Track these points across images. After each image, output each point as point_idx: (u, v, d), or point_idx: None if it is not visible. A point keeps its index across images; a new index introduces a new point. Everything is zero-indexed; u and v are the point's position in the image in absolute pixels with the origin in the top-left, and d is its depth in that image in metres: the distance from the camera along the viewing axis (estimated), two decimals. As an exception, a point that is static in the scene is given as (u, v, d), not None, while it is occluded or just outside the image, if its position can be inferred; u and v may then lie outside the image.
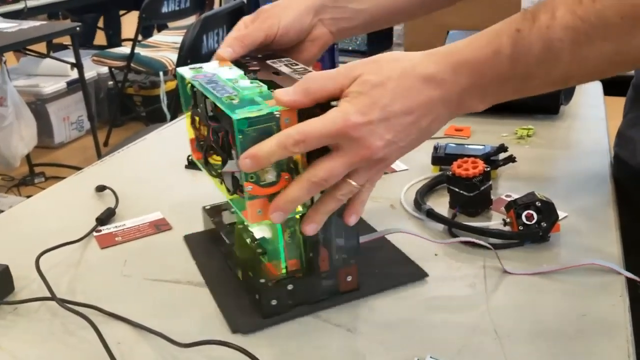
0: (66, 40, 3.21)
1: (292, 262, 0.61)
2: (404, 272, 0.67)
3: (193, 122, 0.66)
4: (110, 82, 3.47)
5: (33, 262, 0.68)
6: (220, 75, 0.60)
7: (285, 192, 0.53)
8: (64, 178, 0.98)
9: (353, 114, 0.50)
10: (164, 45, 3.20)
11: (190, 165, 0.95)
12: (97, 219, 0.80)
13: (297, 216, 0.58)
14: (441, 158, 0.89)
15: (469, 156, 0.80)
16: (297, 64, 0.63)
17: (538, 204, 0.70)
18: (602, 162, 0.91)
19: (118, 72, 3.24)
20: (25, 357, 0.58)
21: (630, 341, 0.56)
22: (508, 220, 0.72)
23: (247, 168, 0.51)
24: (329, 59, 1.32)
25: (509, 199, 0.75)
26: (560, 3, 0.49)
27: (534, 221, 0.70)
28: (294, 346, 0.57)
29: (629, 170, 0.87)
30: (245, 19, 0.69)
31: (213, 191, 0.65)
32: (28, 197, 0.95)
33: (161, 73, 2.93)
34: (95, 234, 0.77)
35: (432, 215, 0.76)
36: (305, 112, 0.53)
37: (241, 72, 0.61)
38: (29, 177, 2.91)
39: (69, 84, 3.28)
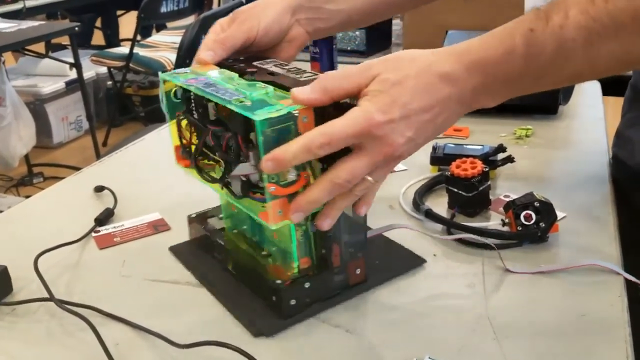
0: (65, 40, 3.21)
1: (304, 260, 0.62)
2: (404, 261, 0.68)
3: (179, 128, 0.65)
4: (109, 82, 3.47)
5: (31, 262, 0.68)
6: (214, 78, 0.59)
7: (307, 193, 0.53)
8: (62, 178, 0.98)
9: (375, 112, 0.50)
10: (163, 45, 3.20)
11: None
12: (96, 220, 0.80)
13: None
14: (440, 158, 0.89)
15: (467, 156, 0.80)
16: (286, 64, 0.63)
17: (537, 204, 0.70)
18: (600, 162, 0.91)
19: (117, 72, 3.24)
20: (23, 358, 0.58)
21: (628, 341, 0.56)
22: (507, 220, 0.72)
23: (269, 170, 0.51)
24: (327, 59, 1.32)
25: (507, 199, 0.75)
26: (573, 3, 0.50)
27: (532, 221, 0.70)
28: (293, 347, 0.57)
29: (627, 170, 0.87)
30: (222, 21, 0.69)
31: (211, 192, 0.65)
32: (27, 197, 0.95)
33: (160, 73, 2.92)
34: (93, 234, 0.77)
35: (430, 215, 0.76)
36: (320, 111, 0.53)
37: (234, 75, 0.60)
38: (28, 177, 2.91)
39: (68, 84, 3.28)
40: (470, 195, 0.76)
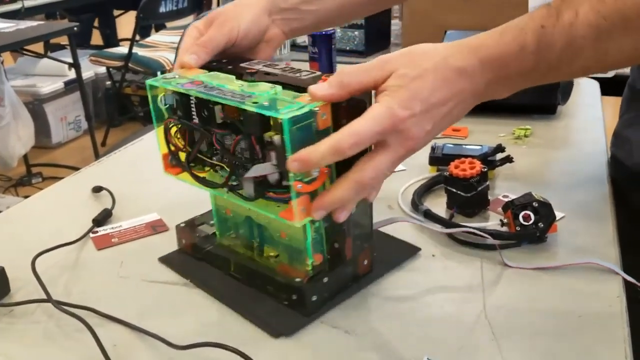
0: (63, 40, 3.21)
1: (317, 256, 0.62)
2: (400, 251, 0.70)
3: (167, 135, 0.64)
4: (108, 82, 3.47)
5: (29, 263, 0.68)
6: (214, 81, 0.59)
7: (331, 192, 0.53)
8: (61, 178, 0.98)
9: (398, 108, 0.51)
10: (162, 45, 3.20)
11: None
12: (94, 220, 0.79)
13: None
14: (439, 158, 0.88)
15: (466, 156, 0.80)
16: (276, 64, 0.63)
17: (535, 204, 0.70)
18: (599, 162, 0.91)
19: (116, 72, 3.24)
20: (20, 359, 0.57)
21: (627, 342, 0.56)
22: (505, 220, 0.72)
23: (294, 170, 0.51)
24: (326, 59, 1.32)
25: (506, 200, 0.75)
26: (583, 0, 0.51)
27: (531, 222, 0.70)
28: (291, 348, 0.57)
29: (625, 170, 0.87)
30: (197, 24, 0.68)
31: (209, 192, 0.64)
32: (25, 197, 0.95)
33: (159, 73, 2.92)
34: (91, 235, 0.77)
35: (429, 215, 0.76)
36: (334, 108, 0.54)
37: (231, 77, 0.60)
38: (27, 178, 2.90)
39: (67, 84, 3.28)
40: (469, 196, 0.76)
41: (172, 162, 0.65)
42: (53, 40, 3.39)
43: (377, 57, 0.54)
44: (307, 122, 0.52)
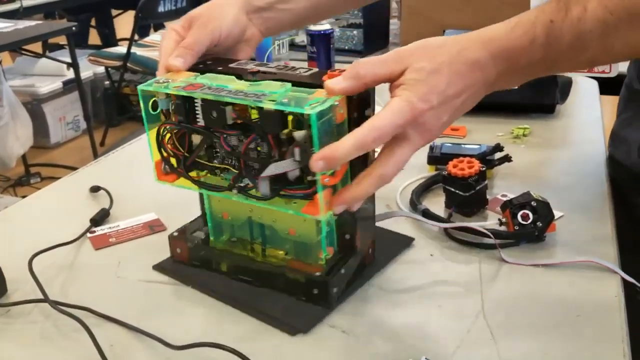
0: (62, 40, 3.21)
1: (329, 249, 0.63)
2: (396, 242, 0.72)
3: (160, 141, 0.62)
4: (107, 82, 3.46)
5: (26, 263, 0.68)
6: (214, 83, 0.58)
7: (354, 187, 0.55)
8: (60, 178, 0.97)
9: (417, 101, 0.52)
10: (161, 45, 3.19)
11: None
12: (91, 220, 0.79)
13: None
14: (437, 158, 0.88)
15: (464, 156, 0.80)
16: (266, 63, 0.63)
17: (534, 203, 0.70)
18: (598, 161, 0.91)
19: (114, 71, 3.24)
20: (17, 360, 0.57)
21: (625, 341, 0.56)
22: (504, 220, 0.72)
23: (319, 169, 0.52)
24: (325, 58, 1.32)
25: (504, 199, 0.75)
26: None
27: (529, 221, 0.70)
28: (289, 347, 0.57)
29: (623, 170, 0.87)
30: (175, 26, 0.67)
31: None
32: (24, 197, 0.94)
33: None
34: (89, 235, 0.77)
35: (427, 215, 0.76)
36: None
37: (231, 77, 0.59)
38: (25, 178, 2.90)
39: (65, 83, 3.27)
40: (467, 195, 0.76)
41: (166, 169, 0.64)
42: (51, 40, 3.39)
43: (393, 49, 0.55)
44: (329, 116, 0.53)
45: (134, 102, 3.50)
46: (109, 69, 3.22)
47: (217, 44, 0.67)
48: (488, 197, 0.79)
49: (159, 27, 4.00)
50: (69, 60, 2.66)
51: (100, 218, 0.80)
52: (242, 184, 0.60)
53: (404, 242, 0.72)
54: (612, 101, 1.00)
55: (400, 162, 0.54)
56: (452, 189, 0.77)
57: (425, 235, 0.74)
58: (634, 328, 0.59)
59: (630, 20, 0.52)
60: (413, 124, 0.53)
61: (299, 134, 0.54)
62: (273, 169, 0.56)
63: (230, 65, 0.64)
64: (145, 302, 0.64)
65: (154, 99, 0.61)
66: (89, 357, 0.56)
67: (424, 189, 0.83)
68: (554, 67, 0.57)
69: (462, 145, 0.90)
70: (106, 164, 1.01)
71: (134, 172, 0.96)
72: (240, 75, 0.60)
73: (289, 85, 0.56)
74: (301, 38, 1.61)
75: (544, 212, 0.70)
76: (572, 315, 0.59)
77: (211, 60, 0.66)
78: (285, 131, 0.55)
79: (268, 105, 0.53)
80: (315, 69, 0.60)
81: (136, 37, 3.14)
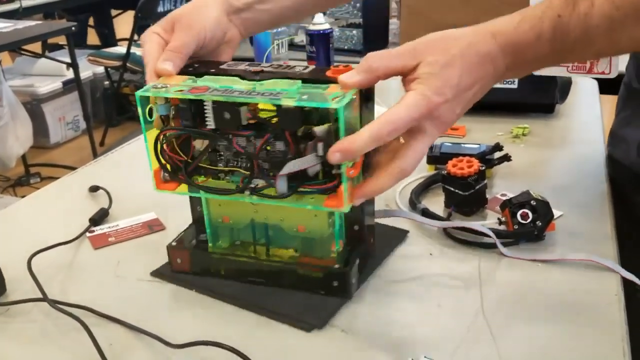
0: (62, 40, 3.20)
1: (340, 242, 0.64)
2: (392, 235, 0.73)
3: (158, 148, 0.61)
4: (106, 82, 3.47)
5: (25, 262, 0.68)
6: (218, 85, 0.57)
7: (375, 181, 0.56)
8: (59, 178, 0.97)
9: (432, 95, 0.53)
10: (160, 45, 3.19)
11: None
12: (91, 220, 0.79)
13: None
14: (436, 157, 0.88)
15: (464, 155, 0.80)
16: (257, 63, 0.62)
17: (533, 202, 0.70)
18: (597, 160, 0.91)
19: (114, 71, 3.24)
20: (16, 359, 0.57)
21: (625, 340, 0.56)
22: (503, 219, 0.72)
23: (336, 161, 0.53)
24: (324, 58, 1.32)
25: (504, 198, 0.75)
26: None
27: (529, 220, 0.70)
28: (288, 347, 0.57)
29: (622, 169, 0.87)
30: (156, 29, 0.66)
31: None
32: (23, 197, 0.94)
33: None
34: (88, 234, 0.77)
35: (427, 214, 0.76)
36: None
37: (234, 79, 0.58)
38: (25, 178, 2.90)
39: (65, 83, 3.27)
40: (466, 194, 0.76)
41: (169, 177, 0.62)
42: (51, 40, 3.39)
43: (405, 43, 0.56)
44: (350, 109, 0.54)
45: (133, 102, 3.44)
46: (109, 69, 3.22)
47: (202, 47, 0.66)
48: (487, 196, 0.79)
49: (158, 27, 3.99)
50: (68, 60, 2.66)
51: (100, 217, 0.80)
52: (252, 185, 0.59)
53: (399, 236, 0.73)
54: (611, 100, 1.00)
55: (419, 155, 0.55)
56: (452, 189, 0.77)
57: (424, 234, 0.74)
58: (634, 326, 0.59)
59: (636, 16, 0.53)
60: (429, 117, 0.54)
61: (320, 129, 0.55)
62: (294, 165, 0.56)
63: (221, 67, 0.62)
64: (144, 301, 0.64)
65: (149, 105, 0.59)
66: (88, 356, 0.56)
67: (424, 188, 0.83)
68: (560, 60, 0.58)
69: (462, 145, 0.90)
70: (105, 163, 1.01)
71: (133, 172, 0.96)
72: (241, 76, 0.59)
73: (299, 82, 0.56)
74: (300, 38, 1.62)
75: (543, 211, 0.70)
76: (572, 314, 0.59)
77: (197, 64, 0.64)
78: (302, 128, 0.55)
79: (288, 103, 0.53)
80: (312, 66, 0.60)
81: (135, 37, 3.13)
